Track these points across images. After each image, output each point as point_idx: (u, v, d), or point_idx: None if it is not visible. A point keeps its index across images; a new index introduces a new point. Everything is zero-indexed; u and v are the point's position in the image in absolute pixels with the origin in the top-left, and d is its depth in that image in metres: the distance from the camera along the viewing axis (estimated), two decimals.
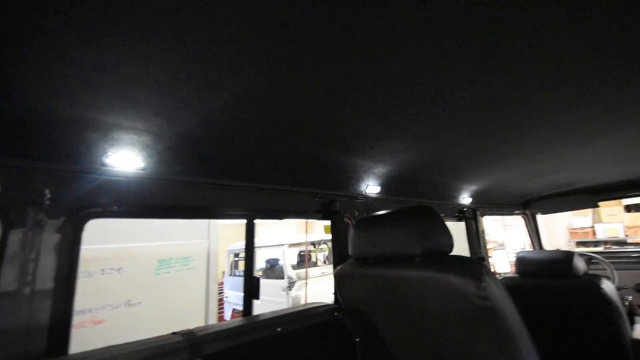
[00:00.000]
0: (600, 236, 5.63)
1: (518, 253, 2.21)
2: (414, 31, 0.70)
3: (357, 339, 1.39)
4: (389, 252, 1.15)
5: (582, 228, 5.77)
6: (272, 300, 4.75)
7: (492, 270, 3.76)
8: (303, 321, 1.42)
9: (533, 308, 2.07)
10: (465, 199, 2.52)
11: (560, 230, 6.12)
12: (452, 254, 1.09)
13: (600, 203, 3.13)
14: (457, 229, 2.75)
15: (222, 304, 6.28)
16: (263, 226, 8.21)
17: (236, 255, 6.37)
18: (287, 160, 1.47)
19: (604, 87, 1.08)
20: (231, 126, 1.07)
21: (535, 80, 1.01)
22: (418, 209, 1.15)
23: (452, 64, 0.84)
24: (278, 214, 1.74)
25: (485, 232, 2.98)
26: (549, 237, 5.93)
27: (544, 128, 1.44)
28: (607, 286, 1.87)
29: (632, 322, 2.29)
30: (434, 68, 0.85)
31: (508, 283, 2.20)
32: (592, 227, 5.71)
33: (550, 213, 3.39)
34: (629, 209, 5.29)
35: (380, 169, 1.79)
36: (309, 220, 1.98)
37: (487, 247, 3.06)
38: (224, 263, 6.47)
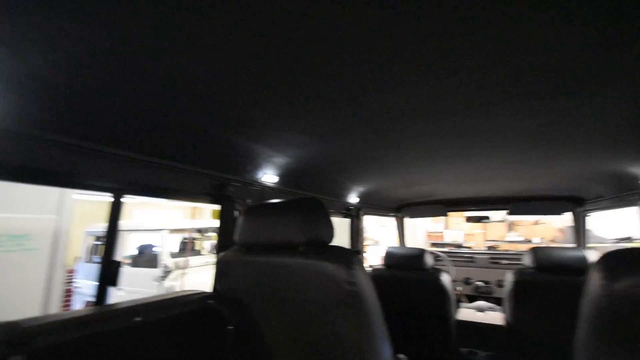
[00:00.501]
0: (447, 240, 7.07)
1: (387, 249, 2.55)
2: (315, 30, 0.71)
3: (230, 327, 1.35)
4: (276, 240, 1.15)
5: (435, 232, 7.16)
6: (139, 291, 4.21)
7: (366, 262, 4.23)
8: (170, 309, 1.29)
9: (394, 294, 2.42)
10: (353, 198, 2.76)
11: (421, 232, 7.41)
12: (332, 244, 1.17)
13: (449, 213, 3.92)
14: (342, 224, 2.99)
15: (70, 294, 5.23)
16: (141, 206, 7.22)
17: (98, 238, 5.39)
18: (175, 132, 1.30)
19: (461, 123, 1.35)
20: (105, 75, 0.87)
21: (413, 106, 1.17)
22: (307, 201, 1.18)
23: (348, 75, 0.90)
24: (156, 192, 1.52)
25: (365, 229, 3.35)
26: (413, 237, 7.11)
27: (417, 148, 1.70)
28: (445, 278, 2.34)
29: (458, 307, 2.92)
30: (334, 71, 0.89)
31: (376, 273, 2.52)
32: (442, 232, 7.14)
33: (416, 217, 4.06)
34: (468, 219, 6.83)
35: (280, 160, 1.78)
36: (199, 204, 1.82)
37: (365, 243, 3.44)
38: (80, 247, 5.40)
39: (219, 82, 0.95)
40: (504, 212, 3.56)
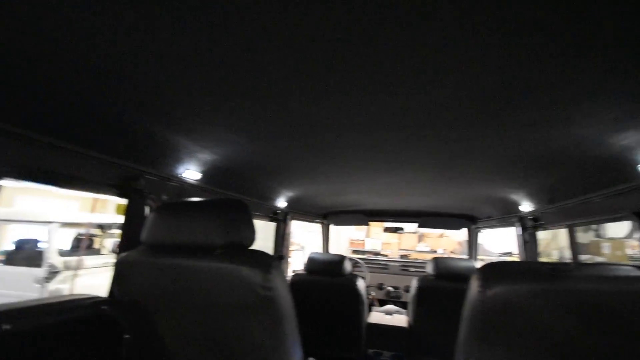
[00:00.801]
0: (367, 247, 7.54)
1: (309, 255, 2.60)
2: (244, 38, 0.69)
3: (127, 336, 1.20)
4: (191, 241, 1.07)
5: (358, 240, 7.59)
6: (14, 295, 3.48)
7: (290, 268, 4.24)
8: (51, 316, 1.09)
9: (313, 298, 2.46)
10: (281, 202, 2.75)
11: (345, 239, 7.76)
12: (252, 249, 1.13)
13: (370, 223, 4.20)
14: (268, 228, 2.95)
15: None
16: (26, 192, 6.02)
17: None
18: (77, 110, 1.13)
19: (384, 142, 1.47)
20: None
21: (343, 120, 1.23)
22: (229, 202, 1.14)
23: (279, 78, 0.90)
24: (47, 178, 1.28)
25: (293, 234, 3.36)
26: (338, 244, 7.40)
27: (345, 159, 1.79)
28: (360, 284, 2.48)
29: (370, 310, 3.11)
30: (264, 72, 0.88)
31: (297, 279, 2.54)
32: (364, 240, 7.60)
33: (341, 225, 4.25)
34: (385, 230, 7.42)
35: (205, 156, 1.68)
36: (103, 196, 1.59)
37: (291, 248, 3.44)
38: None
39: (137, 62, 0.85)
40: (416, 224, 3.95)
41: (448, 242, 7.83)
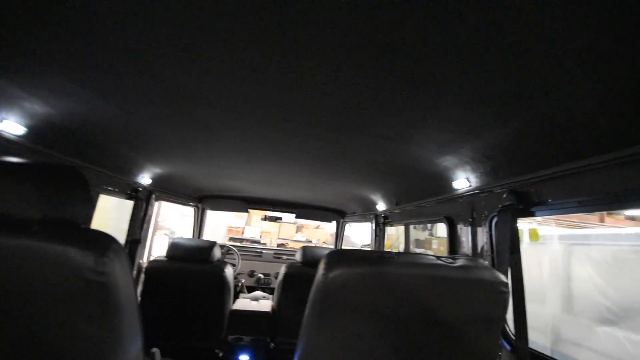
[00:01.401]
0: (246, 235, 7.45)
1: (172, 240, 2.39)
2: None
3: None
4: None
5: (237, 227, 7.42)
6: None
7: (151, 253, 3.78)
8: None
9: (172, 286, 2.27)
10: (145, 178, 2.42)
11: (223, 226, 7.47)
12: (87, 227, 0.96)
13: (250, 210, 4.16)
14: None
15: None
16: None
17: None
18: None
19: (267, 132, 1.48)
20: None
21: (226, 100, 1.17)
22: (58, 168, 0.92)
23: (141, 31, 0.79)
24: None
25: (165, 217, 3.00)
26: (215, 230, 7.05)
27: (227, 142, 1.71)
28: (228, 271, 2.43)
29: (237, 297, 3.10)
30: (120, 18, 0.75)
31: (154, 265, 2.29)
32: (244, 227, 7.50)
33: (218, 210, 4.06)
34: (265, 219, 7.53)
35: (35, 107, 1.31)
36: None
37: (159, 233, 3.06)
38: None
39: None
40: (293, 215, 4.15)
41: (322, 234, 8.53)
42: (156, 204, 2.86)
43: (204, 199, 3.65)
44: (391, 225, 2.97)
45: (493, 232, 1.53)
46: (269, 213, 4.13)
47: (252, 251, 4.15)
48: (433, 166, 1.74)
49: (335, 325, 0.99)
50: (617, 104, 0.87)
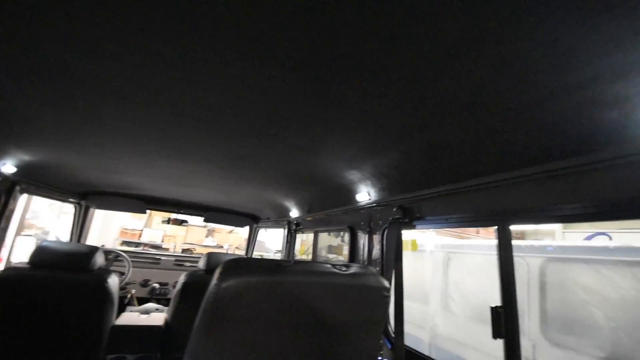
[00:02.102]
0: (144, 239, 6.62)
1: (38, 243, 1.97)
2: None
3: None
4: None
5: (132, 230, 6.53)
6: None
7: (8, 258, 3.03)
8: None
9: (35, 298, 1.86)
10: (7, 166, 1.94)
11: (115, 228, 6.49)
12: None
13: (152, 212, 3.72)
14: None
15: None
16: None
17: None
18: None
19: (170, 126, 1.35)
20: None
21: (123, 83, 1.04)
22: None
23: None
24: None
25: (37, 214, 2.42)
26: (104, 232, 6.07)
27: (121, 131, 1.50)
28: (112, 281, 2.11)
29: (124, 310, 2.71)
30: None
31: (9, 274, 1.85)
32: (141, 230, 6.65)
33: (107, 209, 3.51)
34: (168, 221, 6.85)
35: None
36: None
37: (26, 233, 2.45)
38: None
39: None
40: (202, 218, 3.87)
41: (236, 238, 8.19)
42: (22, 197, 2.32)
43: (88, 196, 3.12)
44: (302, 232, 3.03)
45: (384, 242, 1.70)
46: (174, 215, 3.76)
47: (148, 258, 3.70)
48: (341, 179, 1.85)
49: (225, 336, 0.95)
50: (469, 142, 1.07)
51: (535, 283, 2.61)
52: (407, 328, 3.68)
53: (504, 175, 1.03)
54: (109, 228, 6.21)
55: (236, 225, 4.29)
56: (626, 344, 1.99)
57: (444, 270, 3.53)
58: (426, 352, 3.46)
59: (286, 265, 1.03)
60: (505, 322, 1.08)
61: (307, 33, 0.71)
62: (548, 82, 0.76)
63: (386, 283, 1.14)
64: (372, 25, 0.67)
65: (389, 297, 1.14)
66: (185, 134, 1.46)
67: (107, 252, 3.22)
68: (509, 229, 1.12)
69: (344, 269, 1.13)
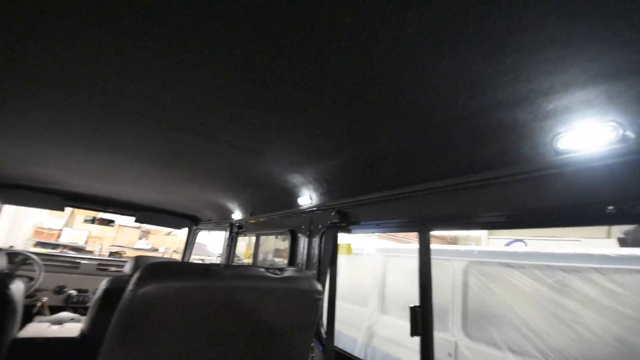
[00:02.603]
0: (64, 240, 5.85)
1: None
2: None
3: None
4: None
5: (50, 229, 5.73)
6: None
7: None
8: None
9: None
10: None
11: (28, 226, 5.64)
12: None
13: (72, 209, 3.30)
14: None
15: None
16: None
17: None
18: None
19: (93, 115, 1.24)
20: None
21: (43, 67, 0.92)
22: None
23: None
24: None
25: None
26: (13, 231, 5.23)
27: (38, 117, 1.32)
28: (16, 287, 1.83)
29: (31, 321, 2.36)
30: None
31: None
32: (61, 230, 5.87)
33: (16, 205, 3.05)
34: (93, 221, 6.17)
35: None
36: None
37: None
38: None
39: None
40: (133, 218, 3.55)
41: (175, 241, 7.65)
42: None
43: None
44: (245, 235, 2.94)
45: (322, 245, 1.73)
46: (100, 214, 3.40)
47: (65, 261, 3.28)
48: (284, 182, 1.84)
49: (144, 347, 0.88)
50: (399, 154, 1.16)
51: (459, 284, 2.86)
52: (345, 329, 3.78)
53: (425, 185, 1.13)
54: (20, 226, 5.38)
55: (173, 227, 4.03)
56: (533, 338, 2.28)
57: (382, 272, 3.71)
58: (362, 352, 3.59)
59: (215, 270, 1.00)
60: (422, 320, 1.17)
61: (248, 34, 0.70)
62: (464, 103, 0.85)
63: (319, 286, 1.16)
64: (314, 36, 0.69)
65: (321, 300, 1.16)
66: (116, 126, 1.34)
67: (12, 254, 2.78)
68: (428, 235, 1.22)
69: (278, 272, 1.12)
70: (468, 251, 2.94)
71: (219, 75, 0.88)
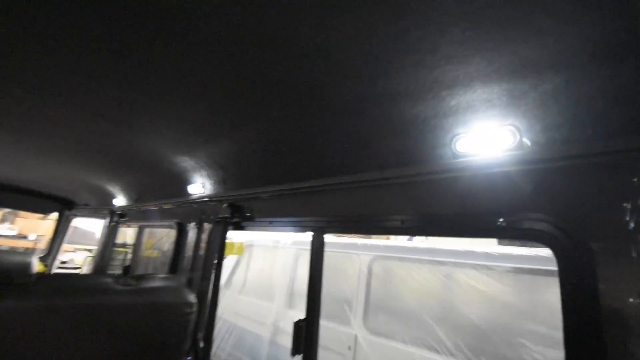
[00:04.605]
0: None
1: None
2: None
3: None
4: None
5: None
6: None
7: None
8: None
9: None
10: None
11: None
12: None
13: None
14: None
15: None
16: None
17: None
18: None
19: None
20: None
21: None
22: None
23: None
24: None
25: None
26: None
27: None
28: None
29: None
30: None
31: None
32: None
33: None
34: None
35: None
36: None
37: None
38: None
39: None
40: None
41: (51, 226, 6.32)
42: None
43: None
44: (128, 226, 2.47)
45: (209, 242, 1.49)
46: None
47: None
48: (172, 165, 1.53)
49: None
50: (298, 145, 1.00)
51: (363, 278, 2.91)
52: (250, 326, 3.58)
53: (321, 181, 0.99)
54: None
55: (38, 211, 3.23)
56: (425, 329, 2.42)
57: (293, 266, 3.60)
58: (266, 348, 3.44)
59: (20, 285, 0.69)
60: (305, 337, 1.04)
61: None
62: (364, 90, 0.72)
63: (191, 297, 0.93)
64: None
65: (192, 313, 0.93)
66: None
67: None
68: (322, 237, 1.09)
69: (132, 283, 0.86)
70: (375, 245, 3.00)
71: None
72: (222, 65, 0.74)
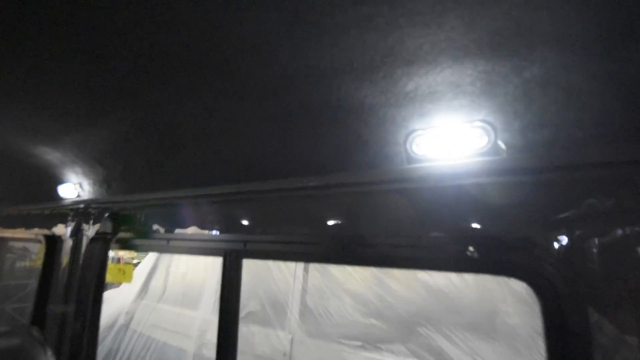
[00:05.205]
0: None
1: None
2: None
3: None
4: None
5: None
6: None
7: None
8: None
9: None
10: None
11: None
12: None
13: None
14: None
15: None
16: None
17: None
18: None
19: None
20: None
21: None
22: None
23: None
24: None
25: None
26: None
27: None
28: None
29: None
30: None
31: None
32: None
33: None
34: None
35: None
36: None
37: None
38: None
39: None
40: None
41: None
42: None
43: None
44: None
45: (84, 266, 1.11)
46: None
47: None
48: (33, 158, 1.09)
49: None
50: (198, 143, 0.73)
51: (299, 277, 2.74)
52: (172, 340, 3.15)
53: (231, 188, 0.73)
54: None
55: None
56: (357, 327, 2.34)
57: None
58: None
59: None
60: None
61: None
62: (289, 64, 0.48)
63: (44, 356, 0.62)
64: None
65: None
66: None
67: None
68: (240, 262, 0.84)
69: None
70: None
71: None
72: (82, 22, 0.45)
